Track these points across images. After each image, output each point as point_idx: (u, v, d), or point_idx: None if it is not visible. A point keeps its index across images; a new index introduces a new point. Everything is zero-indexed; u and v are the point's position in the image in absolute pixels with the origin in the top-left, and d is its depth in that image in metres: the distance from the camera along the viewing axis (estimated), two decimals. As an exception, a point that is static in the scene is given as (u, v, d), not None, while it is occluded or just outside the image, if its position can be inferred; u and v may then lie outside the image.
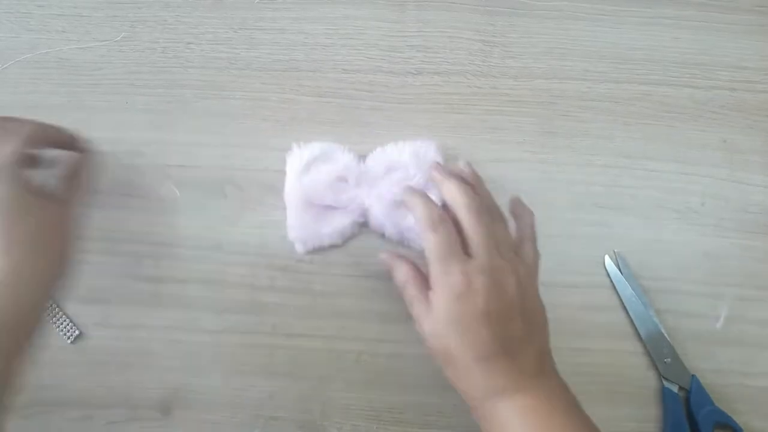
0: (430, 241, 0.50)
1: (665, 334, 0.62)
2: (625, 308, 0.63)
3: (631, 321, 0.63)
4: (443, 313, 0.49)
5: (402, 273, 0.54)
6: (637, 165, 0.65)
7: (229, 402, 0.63)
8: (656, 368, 0.62)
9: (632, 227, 0.65)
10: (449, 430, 0.63)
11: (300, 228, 0.62)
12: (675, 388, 0.61)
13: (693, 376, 0.61)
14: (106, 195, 0.66)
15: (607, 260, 0.64)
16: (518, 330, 0.49)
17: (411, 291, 0.52)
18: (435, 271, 0.50)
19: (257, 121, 0.66)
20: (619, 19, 0.66)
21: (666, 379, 0.62)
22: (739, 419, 0.60)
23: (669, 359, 0.62)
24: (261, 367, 0.63)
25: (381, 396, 0.63)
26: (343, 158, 0.63)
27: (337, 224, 0.62)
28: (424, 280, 0.52)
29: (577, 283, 0.64)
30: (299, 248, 0.63)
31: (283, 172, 0.65)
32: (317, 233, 0.62)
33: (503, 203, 0.64)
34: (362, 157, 0.64)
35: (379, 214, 0.62)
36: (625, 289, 0.63)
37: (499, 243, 0.51)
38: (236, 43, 0.67)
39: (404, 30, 0.67)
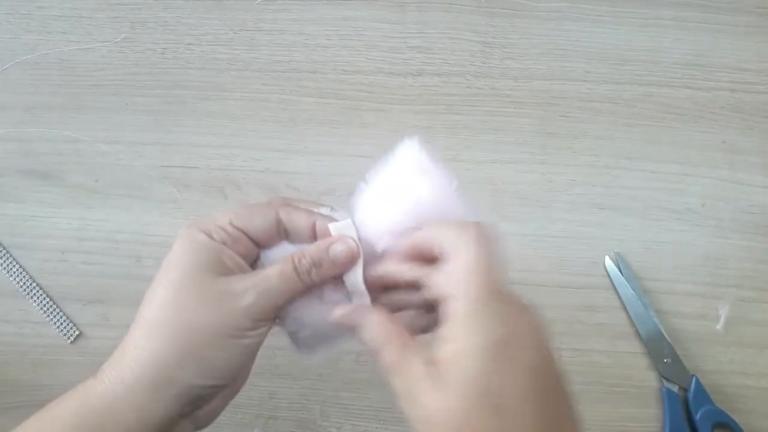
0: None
1: (665, 335, 0.62)
2: (625, 309, 0.63)
3: (631, 321, 0.63)
4: (468, 381, 0.33)
5: (374, 327, 0.39)
6: (637, 166, 0.65)
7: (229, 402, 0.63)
8: (656, 368, 0.62)
9: (632, 228, 0.65)
10: (449, 430, 0.63)
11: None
12: (675, 388, 0.61)
13: (693, 376, 0.61)
14: (106, 195, 0.66)
15: (608, 261, 0.64)
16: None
17: (393, 353, 0.37)
18: (461, 308, 0.36)
19: (257, 122, 0.66)
20: (619, 20, 0.66)
21: (666, 379, 0.61)
22: (739, 419, 0.60)
23: (669, 359, 0.62)
24: (261, 367, 0.63)
25: (381, 396, 0.63)
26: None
27: None
28: (406, 336, 0.39)
29: (578, 284, 0.64)
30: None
31: (281, 173, 0.65)
32: None
33: (503, 204, 0.65)
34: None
35: None
36: (626, 290, 0.63)
37: None
38: (236, 44, 0.67)
39: (404, 31, 0.67)
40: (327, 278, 0.42)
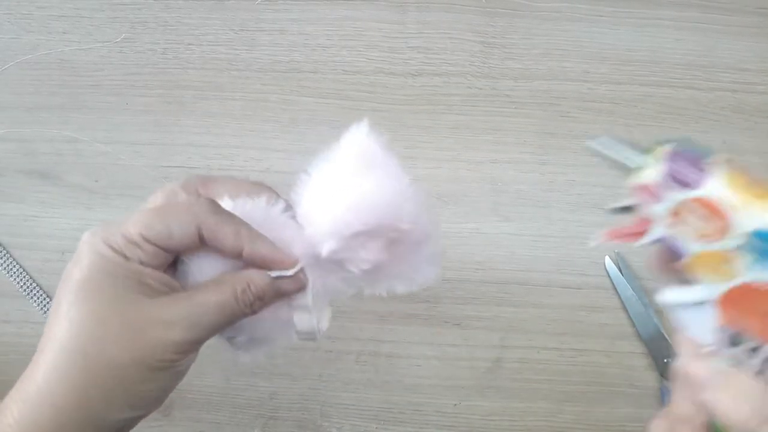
0: None
1: (665, 335, 0.62)
2: (625, 308, 0.63)
3: (632, 321, 0.63)
4: None
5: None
6: (637, 166, 0.65)
7: (229, 402, 0.63)
8: (656, 368, 0.62)
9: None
10: (448, 429, 0.63)
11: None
12: (675, 389, 0.61)
13: (693, 377, 0.61)
14: (106, 195, 0.66)
15: (608, 261, 0.64)
16: None
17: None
18: None
19: (257, 123, 0.66)
20: (619, 20, 0.66)
21: (666, 379, 0.61)
22: (740, 420, 0.60)
23: (669, 359, 0.62)
24: (261, 367, 0.63)
25: (381, 396, 0.63)
26: None
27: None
28: None
29: (578, 284, 0.64)
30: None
31: (281, 173, 0.65)
32: None
33: (503, 204, 0.65)
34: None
35: None
36: (626, 290, 0.63)
37: None
38: (236, 44, 0.67)
39: (404, 31, 0.67)
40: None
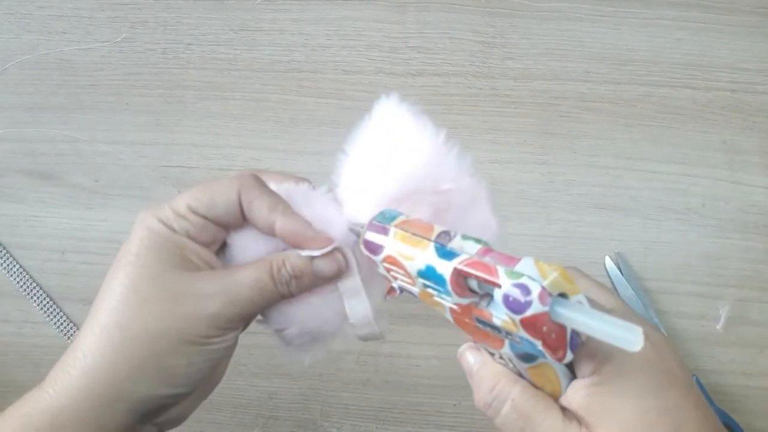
0: None
1: (665, 335, 0.62)
2: (625, 309, 0.63)
3: (631, 321, 0.63)
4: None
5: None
6: (637, 166, 0.65)
7: (229, 402, 0.63)
8: (656, 369, 0.62)
9: (632, 228, 0.65)
10: (448, 429, 0.63)
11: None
12: (675, 389, 0.61)
13: (693, 376, 0.61)
14: (106, 195, 0.66)
15: (608, 261, 0.64)
16: None
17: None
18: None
19: (257, 122, 0.66)
20: (619, 20, 0.66)
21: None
22: (740, 419, 0.60)
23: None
24: (261, 367, 0.63)
25: (380, 396, 0.63)
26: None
27: None
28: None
29: (577, 284, 0.64)
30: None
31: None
32: None
33: (503, 204, 0.64)
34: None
35: None
36: (626, 290, 0.63)
37: None
38: (236, 44, 0.67)
39: (405, 31, 0.67)
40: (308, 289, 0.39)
